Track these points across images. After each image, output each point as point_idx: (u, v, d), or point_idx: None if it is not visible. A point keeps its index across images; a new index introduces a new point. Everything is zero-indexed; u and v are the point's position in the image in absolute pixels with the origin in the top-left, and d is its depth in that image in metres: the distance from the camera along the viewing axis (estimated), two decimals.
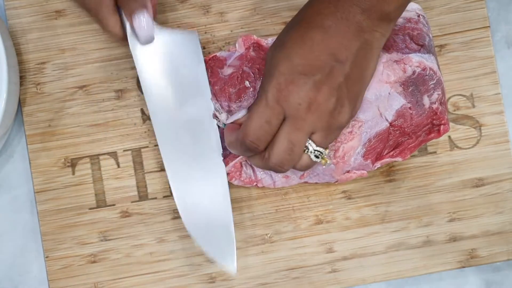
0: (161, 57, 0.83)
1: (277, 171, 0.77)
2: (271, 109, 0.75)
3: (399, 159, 0.84)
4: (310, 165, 0.78)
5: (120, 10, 0.81)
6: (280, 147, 0.76)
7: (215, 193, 0.83)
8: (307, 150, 0.77)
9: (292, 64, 0.75)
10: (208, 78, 0.84)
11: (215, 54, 0.85)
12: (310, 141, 0.77)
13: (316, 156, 0.77)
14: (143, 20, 0.80)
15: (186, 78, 0.84)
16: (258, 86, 0.84)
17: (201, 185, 0.83)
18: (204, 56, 0.87)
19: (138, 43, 0.83)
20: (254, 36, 0.85)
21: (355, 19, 0.75)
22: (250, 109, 0.78)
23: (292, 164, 0.77)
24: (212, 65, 0.85)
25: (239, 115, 0.80)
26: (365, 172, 0.84)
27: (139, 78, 0.83)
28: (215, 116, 0.84)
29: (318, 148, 0.77)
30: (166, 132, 0.83)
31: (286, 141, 0.76)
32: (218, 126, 0.84)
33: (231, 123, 0.80)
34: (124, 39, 0.82)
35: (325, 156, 0.78)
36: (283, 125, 0.76)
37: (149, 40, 0.82)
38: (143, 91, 0.83)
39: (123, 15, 0.81)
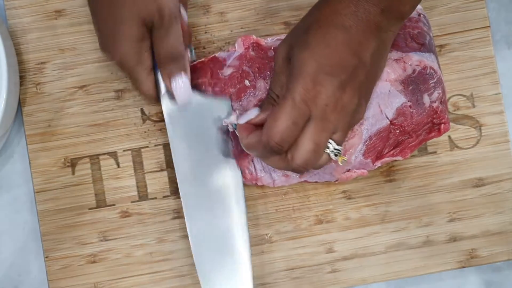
0: (192, 122, 0.84)
1: (299, 172, 0.77)
2: (298, 110, 0.75)
3: (399, 158, 0.84)
4: (327, 164, 0.78)
5: (155, 70, 0.82)
6: (305, 148, 0.76)
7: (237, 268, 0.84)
8: (327, 149, 0.77)
9: (319, 65, 0.75)
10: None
11: (214, 55, 0.85)
12: (330, 141, 0.77)
13: (335, 155, 0.77)
14: (182, 84, 0.82)
15: (214, 145, 0.85)
16: (259, 85, 0.84)
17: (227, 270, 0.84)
18: (204, 56, 0.87)
19: (172, 105, 0.84)
20: (254, 36, 0.85)
21: (375, 19, 0.75)
22: (264, 108, 0.78)
23: (315, 164, 0.77)
24: (212, 66, 0.85)
25: (252, 114, 0.79)
26: (365, 171, 0.84)
27: (169, 141, 0.84)
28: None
29: (338, 147, 0.77)
30: (193, 202, 0.84)
31: (311, 142, 0.75)
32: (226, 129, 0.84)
33: (245, 123, 0.80)
34: (156, 100, 0.84)
35: (341, 154, 0.78)
36: (308, 126, 0.75)
37: (186, 103, 0.83)
38: (172, 154, 0.84)
39: (159, 76, 0.83)
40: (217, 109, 0.84)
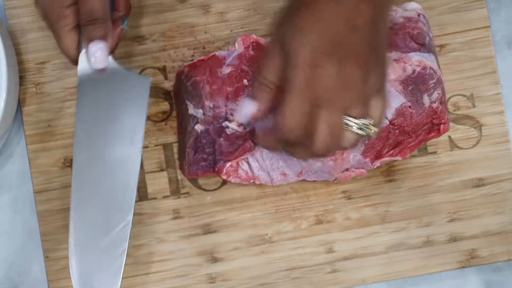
0: (104, 93, 0.81)
1: (326, 156, 0.77)
2: (304, 99, 0.73)
3: (398, 158, 0.84)
4: (358, 139, 0.76)
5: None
6: (321, 133, 0.74)
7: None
8: (348, 127, 0.75)
9: (313, 48, 0.72)
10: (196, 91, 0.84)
11: (214, 53, 0.85)
12: (347, 118, 0.75)
13: (361, 129, 0.75)
14: (97, 50, 0.79)
15: (122, 122, 0.81)
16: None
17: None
18: (203, 55, 0.87)
19: (87, 68, 0.80)
20: (254, 35, 0.85)
21: None
22: (259, 97, 0.76)
23: (338, 145, 0.75)
24: (211, 64, 0.85)
25: (251, 108, 0.77)
26: (364, 170, 0.84)
27: (77, 107, 0.80)
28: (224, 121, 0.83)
29: (358, 121, 0.75)
30: (84, 176, 0.81)
31: (325, 126, 0.74)
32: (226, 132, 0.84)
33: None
34: (76, 61, 0.81)
35: (370, 126, 0.76)
36: (319, 110, 0.74)
37: (100, 70, 0.80)
38: (76, 123, 0.80)
39: (82, 37, 0.80)
40: (132, 84, 0.81)
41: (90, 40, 0.79)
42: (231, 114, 0.83)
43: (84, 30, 0.79)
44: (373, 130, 0.75)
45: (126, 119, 0.81)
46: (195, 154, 0.84)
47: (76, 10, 0.79)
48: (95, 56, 0.79)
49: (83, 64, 0.80)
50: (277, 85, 0.75)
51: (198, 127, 0.84)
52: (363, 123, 0.75)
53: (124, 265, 0.79)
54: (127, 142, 0.80)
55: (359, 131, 0.75)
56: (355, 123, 0.74)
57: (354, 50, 0.73)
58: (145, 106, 0.81)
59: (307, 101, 0.73)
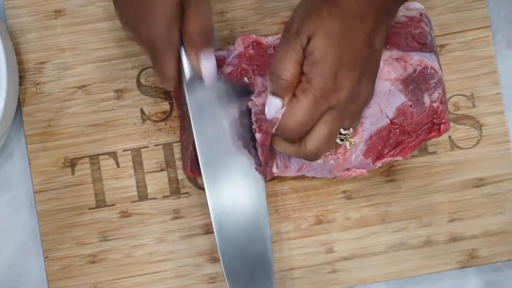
0: (215, 102, 0.82)
1: (311, 159, 0.78)
2: (318, 106, 0.74)
3: (399, 158, 0.84)
4: (333, 148, 0.80)
5: (180, 57, 0.80)
6: (320, 136, 0.76)
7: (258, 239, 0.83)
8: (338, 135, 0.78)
9: (340, 59, 0.74)
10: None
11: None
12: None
13: (341, 140, 0.78)
14: (210, 61, 0.79)
15: (235, 126, 0.83)
16: (257, 82, 0.83)
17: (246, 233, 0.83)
18: None
19: (196, 90, 0.81)
20: (253, 35, 0.84)
21: (386, 5, 0.75)
22: (278, 92, 0.76)
23: (326, 151, 0.78)
24: None
25: (278, 105, 0.77)
26: (365, 171, 0.84)
27: (191, 120, 0.81)
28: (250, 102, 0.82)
29: (345, 132, 0.78)
30: (214, 179, 0.82)
31: (326, 131, 0.76)
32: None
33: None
34: (175, 83, 0.80)
35: (349, 137, 0.78)
36: (325, 115, 0.75)
37: (212, 80, 0.81)
38: (194, 134, 0.81)
39: (185, 61, 0.80)
40: (240, 93, 0.83)
41: (202, 53, 0.78)
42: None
43: (194, 47, 0.78)
44: (351, 142, 0.79)
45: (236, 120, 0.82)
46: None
47: (179, 31, 0.78)
48: (208, 67, 0.79)
49: (191, 91, 0.81)
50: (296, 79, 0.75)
51: None
52: (345, 135, 0.78)
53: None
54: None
55: (340, 142, 0.78)
56: (341, 133, 0.77)
57: (368, 68, 0.76)
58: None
59: (320, 108, 0.75)
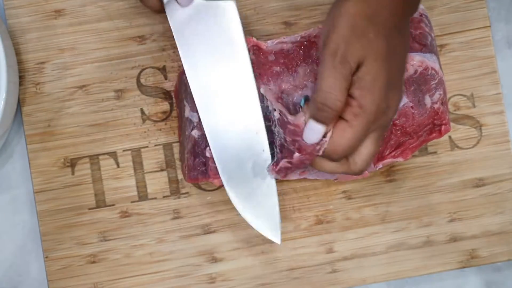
0: (198, 22, 0.81)
1: (358, 174, 0.77)
2: (369, 129, 0.74)
3: (400, 159, 0.84)
4: None
5: None
6: (369, 154, 0.75)
7: (256, 155, 0.82)
8: None
9: (389, 80, 0.73)
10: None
11: None
12: None
13: None
14: None
15: (223, 43, 0.81)
16: (263, 89, 0.83)
17: (242, 149, 0.82)
18: None
19: (176, 10, 0.81)
20: (254, 38, 0.84)
21: (412, 11, 0.76)
22: (322, 118, 0.75)
23: (368, 166, 0.78)
24: None
25: (319, 131, 0.75)
26: (366, 172, 0.84)
27: (177, 44, 0.81)
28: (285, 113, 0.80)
29: None
30: (205, 95, 0.81)
31: (374, 148, 0.75)
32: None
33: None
34: (161, 10, 0.81)
35: None
36: (372, 133, 0.75)
37: (189, 2, 0.80)
38: (181, 57, 0.81)
39: None
40: (222, 10, 0.82)
41: None
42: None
43: None
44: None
45: (224, 37, 0.81)
46: (194, 159, 0.84)
47: None
48: None
49: (171, 12, 0.81)
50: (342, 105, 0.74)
51: (195, 133, 0.84)
52: None
53: None
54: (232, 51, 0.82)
55: None
56: None
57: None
58: (237, 20, 0.82)
59: (369, 127, 0.74)
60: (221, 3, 0.82)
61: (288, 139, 0.77)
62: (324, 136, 0.75)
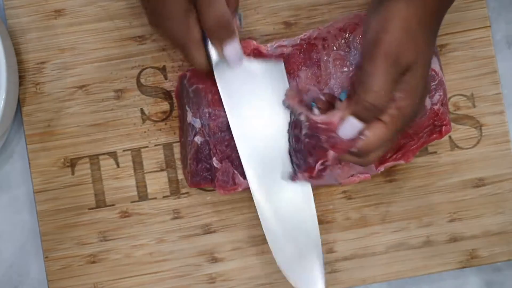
0: (247, 83, 0.83)
1: (366, 165, 0.80)
2: (398, 131, 0.77)
3: (402, 162, 0.84)
4: None
5: (205, 41, 0.80)
6: (383, 152, 0.79)
7: (303, 222, 0.83)
8: None
9: (427, 87, 0.76)
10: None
11: None
12: None
13: None
14: (233, 49, 0.80)
15: (270, 102, 0.83)
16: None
17: (288, 210, 0.83)
18: None
19: (224, 71, 0.82)
20: (254, 42, 0.84)
21: None
22: (363, 117, 0.76)
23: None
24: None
25: (356, 126, 0.77)
26: (369, 175, 0.84)
27: (224, 103, 0.83)
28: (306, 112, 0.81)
29: None
30: (253, 159, 0.83)
31: (391, 144, 0.79)
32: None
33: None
34: (209, 70, 0.82)
35: None
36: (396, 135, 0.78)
37: (239, 67, 0.82)
38: (228, 116, 0.83)
39: (210, 45, 0.80)
40: (271, 72, 0.83)
41: (223, 43, 0.79)
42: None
43: (214, 38, 0.79)
44: None
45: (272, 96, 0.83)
46: (197, 165, 0.84)
47: (199, 25, 0.79)
48: (232, 55, 0.80)
49: (220, 74, 0.82)
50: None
51: (198, 139, 0.84)
52: None
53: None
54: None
55: None
56: None
57: None
58: (285, 81, 0.83)
59: (402, 129, 0.77)
60: (270, 64, 0.83)
61: (322, 137, 0.78)
62: (360, 133, 0.76)
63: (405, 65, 0.74)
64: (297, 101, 0.82)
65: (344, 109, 0.77)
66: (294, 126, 0.81)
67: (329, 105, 0.80)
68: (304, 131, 0.79)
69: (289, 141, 0.82)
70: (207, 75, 0.83)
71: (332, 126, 0.77)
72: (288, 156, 0.83)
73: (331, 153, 0.78)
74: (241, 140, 0.83)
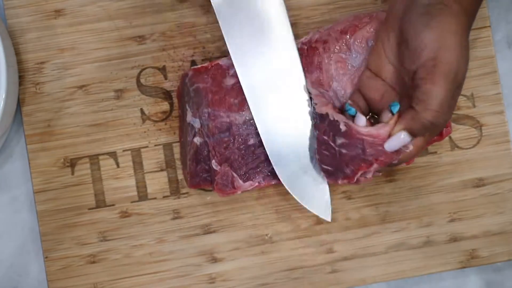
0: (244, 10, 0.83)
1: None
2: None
3: (403, 164, 0.84)
4: None
5: None
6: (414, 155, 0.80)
7: (302, 133, 0.83)
8: None
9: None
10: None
11: (217, 62, 0.84)
12: None
13: None
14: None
15: (268, 26, 0.83)
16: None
17: (288, 127, 0.83)
18: (203, 55, 0.86)
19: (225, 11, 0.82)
20: None
21: None
22: (407, 125, 0.76)
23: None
24: (215, 73, 0.84)
25: (405, 140, 0.77)
26: (370, 176, 0.84)
27: (223, 33, 0.83)
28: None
29: None
30: (253, 81, 0.83)
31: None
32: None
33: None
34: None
35: None
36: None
37: None
38: (227, 44, 0.82)
39: None
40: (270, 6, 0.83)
41: None
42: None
43: None
44: None
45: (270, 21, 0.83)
46: (196, 166, 0.84)
47: None
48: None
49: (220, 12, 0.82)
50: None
51: (197, 140, 0.84)
52: None
53: None
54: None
55: None
56: None
57: None
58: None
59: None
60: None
61: (368, 150, 0.77)
62: (404, 146, 0.77)
63: (462, 80, 0.74)
64: (331, 107, 0.81)
65: (394, 123, 0.77)
66: (323, 131, 0.81)
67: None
68: (339, 141, 0.79)
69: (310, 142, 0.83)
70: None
71: (380, 139, 0.77)
72: (314, 157, 0.83)
73: (375, 167, 0.78)
74: (244, 76, 0.83)
